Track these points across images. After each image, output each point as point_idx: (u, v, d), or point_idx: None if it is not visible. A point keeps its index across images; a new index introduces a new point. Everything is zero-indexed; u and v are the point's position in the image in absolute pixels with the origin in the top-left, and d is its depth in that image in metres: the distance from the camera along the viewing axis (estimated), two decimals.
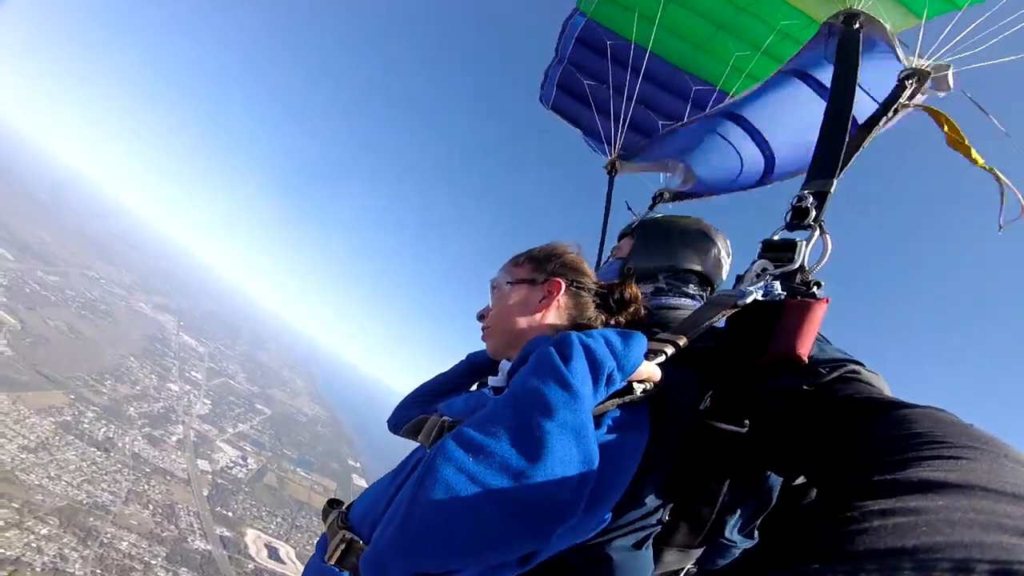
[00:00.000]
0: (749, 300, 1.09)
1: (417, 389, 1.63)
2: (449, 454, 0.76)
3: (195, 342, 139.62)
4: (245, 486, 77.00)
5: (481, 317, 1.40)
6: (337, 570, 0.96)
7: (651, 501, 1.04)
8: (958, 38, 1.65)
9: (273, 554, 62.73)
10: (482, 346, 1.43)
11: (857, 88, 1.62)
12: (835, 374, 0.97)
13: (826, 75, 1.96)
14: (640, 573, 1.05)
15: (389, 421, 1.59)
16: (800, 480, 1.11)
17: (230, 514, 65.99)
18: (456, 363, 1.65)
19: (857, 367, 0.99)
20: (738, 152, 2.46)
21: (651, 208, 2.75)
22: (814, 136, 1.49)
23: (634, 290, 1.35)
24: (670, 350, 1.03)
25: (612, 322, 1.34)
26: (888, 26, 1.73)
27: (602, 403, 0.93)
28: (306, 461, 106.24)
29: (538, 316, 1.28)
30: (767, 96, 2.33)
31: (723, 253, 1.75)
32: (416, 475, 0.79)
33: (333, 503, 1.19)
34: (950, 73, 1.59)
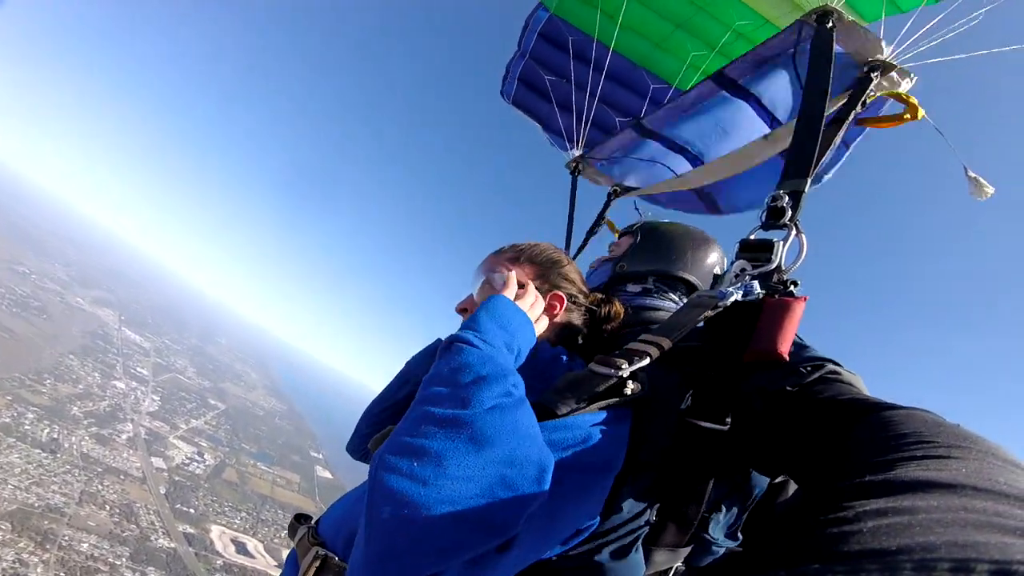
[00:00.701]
0: (730, 301, 1.09)
1: (371, 406, 1.45)
2: (387, 463, 0.75)
3: (139, 337, 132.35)
4: (204, 482, 75.10)
5: (464, 310, 1.35)
6: None
7: (638, 503, 1.06)
8: (918, 34, 1.67)
9: (241, 549, 61.90)
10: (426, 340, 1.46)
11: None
12: (816, 374, 0.99)
13: (773, 90, 2.05)
14: (635, 570, 1.07)
15: (347, 447, 1.46)
16: (780, 479, 1.16)
17: (192, 511, 64.44)
18: (423, 350, 1.47)
19: (837, 367, 1.02)
20: (671, 170, 2.65)
21: (606, 206, 2.95)
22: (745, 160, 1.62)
23: (617, 308, 1.42)
24: (654, 352, 1.01)
25: (592, 333, 1.39)
26: (861, 26, 1.71)
27: (589, 406, 0.96)
28: (266, 455, 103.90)
29: (537, 326, 1.25)
30: (708, 118, 2.34)
31: (718, 266, 1.79)
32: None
33: (300, 518, 1.19)
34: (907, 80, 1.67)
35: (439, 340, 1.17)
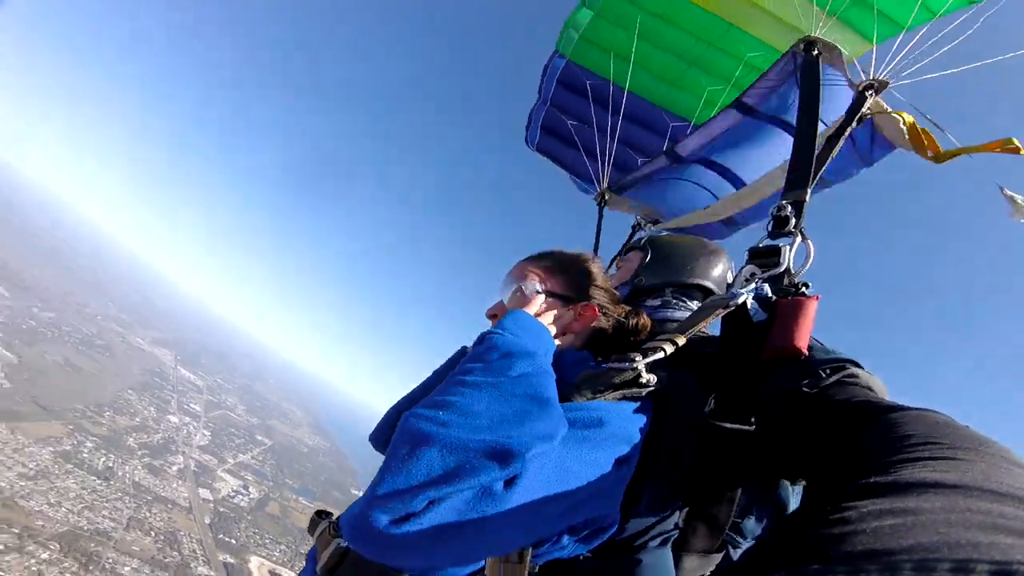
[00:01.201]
0: (740, 301, 1.13)
1: (399, 402, 1.37)
2: (415, 412, 0.82)
3: (192, 375, 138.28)
4: (248, 514, 75.80)
5: (494, 316, 1.35)
6: None
7: (665, 505, 1.04)
8: (901, 55, 1.88)
9: None
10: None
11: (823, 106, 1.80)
12: (834, 377, 0.99)
13: (785, 111, 2.27)
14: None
15: (371, 437, 1.35)
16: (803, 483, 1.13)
17: (233, 541, 65.01)
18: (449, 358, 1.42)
19: (855, 369, 1.01)
20: (712, 194, 2.72)
21: (630, 237, 2.89)
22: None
23: (645, 321, 1.41)
24: (668, 347, 1.04)
25: (620, 343, 1.38)
26: (845, 51, 1.92)
27: (607, 393, 0.98)
28: (308, 490, 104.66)
29: (567, 336, 1.28)
30: (749, 136, 2.47)
31: (729, 271, 1.85)
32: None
33: (321, 514, 1.19)
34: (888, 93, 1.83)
35: (464, 348, 1.19)
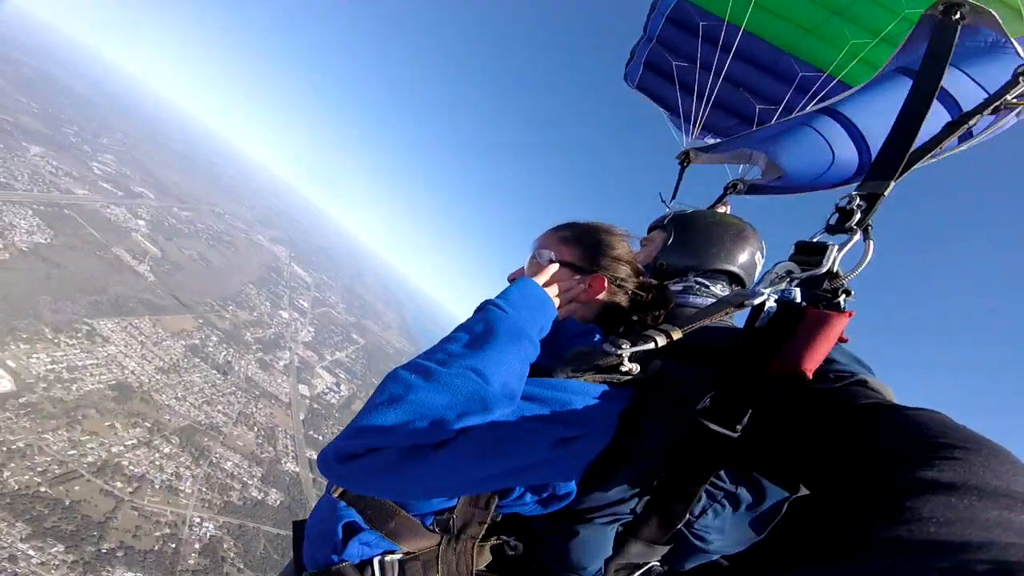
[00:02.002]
0: (757, 301, 1.07)
1: None
2: (394, 372, 0.96)
3: (304, 272, 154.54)
4: (336, 412, 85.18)
5: (512, 280, 1.40)
6: (341, 503, 1.13)
7: (628, 488, 1.08)
8: None
9: None
10: None
11: (969, 83, 1.51)
12: (841, 383, 0.99)
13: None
14: (597, 551, 1.12)
15: None
16: (803, 492, 1.11)
17: (320, 438, 73.22)
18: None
19: (866, 376, 1.00)
20: (831, 147, 2.14)
21: (720, 200, 2.64)
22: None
23: (668, 296, 1.41)
24: (661, 340, 1.06)
25: (636, 318, 1.39)
26: (999, 17, 1.53)
27: (587, 374, 1.06)
28: None
29: (572, 305, 1.33)
30: (871, 93, 2.06)
31: (758, 253, 1.75)
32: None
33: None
34: None
35: (485, 302, 1.28)
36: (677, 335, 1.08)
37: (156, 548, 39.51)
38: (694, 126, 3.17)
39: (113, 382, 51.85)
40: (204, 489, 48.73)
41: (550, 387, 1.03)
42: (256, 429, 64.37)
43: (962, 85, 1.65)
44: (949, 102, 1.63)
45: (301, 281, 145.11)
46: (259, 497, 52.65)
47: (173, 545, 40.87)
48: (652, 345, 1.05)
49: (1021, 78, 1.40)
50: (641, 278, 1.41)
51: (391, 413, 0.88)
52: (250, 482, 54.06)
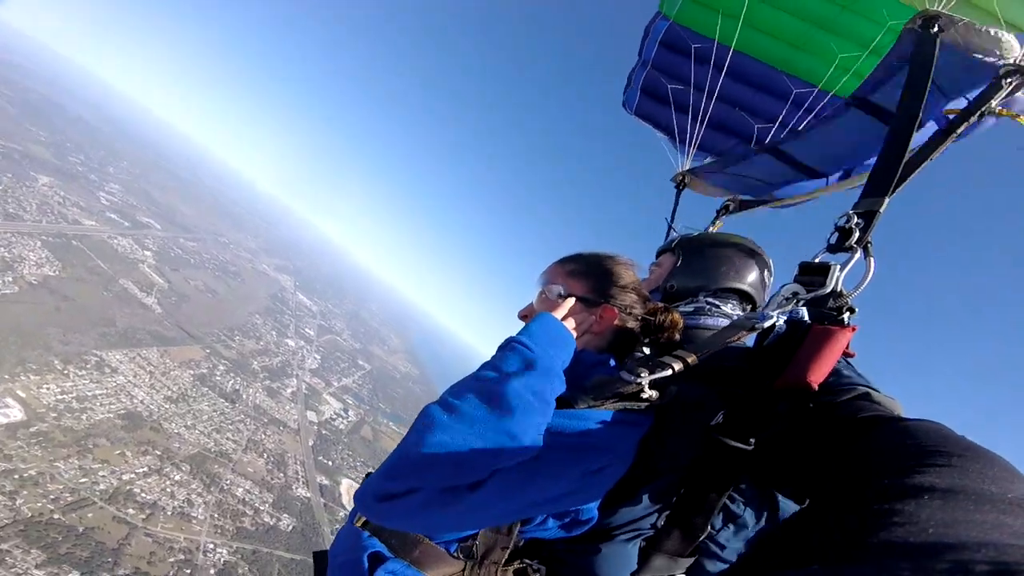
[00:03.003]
0: (767, 324, 1.10)
1: None
2: (427, 410, 0.98)
3: (309, 301, 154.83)
4: (345, 437, 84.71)
5: (524, 317, 1.44)
6: (365, 533, 1.15)
7: (649, 504, 1.12)
8: None
9: None
10: None
11: (943, 96, 1.54)
12: (845, 397, 1.02)
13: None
14: (621, 567, 1.13)
15: None
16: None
17: (330, 463, 73.07)
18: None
19: (870, 390, 1.03)
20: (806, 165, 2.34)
21: (715, 221, 2.78)
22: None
23: (675, 317, 1.41)
24: (677, 365, 1.08)
25: (647, 341, 1.42)
26: (980, 27, 1.50)
27: (608, 402, 1.09)
28: (398, 416, 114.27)
29: (586, 337, 1.35)
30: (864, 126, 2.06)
31: (765, 272, 1.77)
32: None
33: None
34: None
35: (509, 340, 1.31)
36: (692, 360, 1.09)
37: (171, 574, 38.72)
38: (690, 146, 3.18)
39: (123, 411, 51.53)
40: (216, 515, 47.98)
41: (575, 418, 1.05)
42: (266, 456, 63.76)
43: (940, 101, 1.71)
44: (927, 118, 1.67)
45: (306, 309, 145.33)
46: (271, 523, 51.78)
47: (188, 571, 39.99)
48: (669, 372, 1.07)
49: (1005, 81, 1.40)
50: (648, 303, 1.44)
51: (426, 454, 0.90)
52: (262, 508, 53.28)
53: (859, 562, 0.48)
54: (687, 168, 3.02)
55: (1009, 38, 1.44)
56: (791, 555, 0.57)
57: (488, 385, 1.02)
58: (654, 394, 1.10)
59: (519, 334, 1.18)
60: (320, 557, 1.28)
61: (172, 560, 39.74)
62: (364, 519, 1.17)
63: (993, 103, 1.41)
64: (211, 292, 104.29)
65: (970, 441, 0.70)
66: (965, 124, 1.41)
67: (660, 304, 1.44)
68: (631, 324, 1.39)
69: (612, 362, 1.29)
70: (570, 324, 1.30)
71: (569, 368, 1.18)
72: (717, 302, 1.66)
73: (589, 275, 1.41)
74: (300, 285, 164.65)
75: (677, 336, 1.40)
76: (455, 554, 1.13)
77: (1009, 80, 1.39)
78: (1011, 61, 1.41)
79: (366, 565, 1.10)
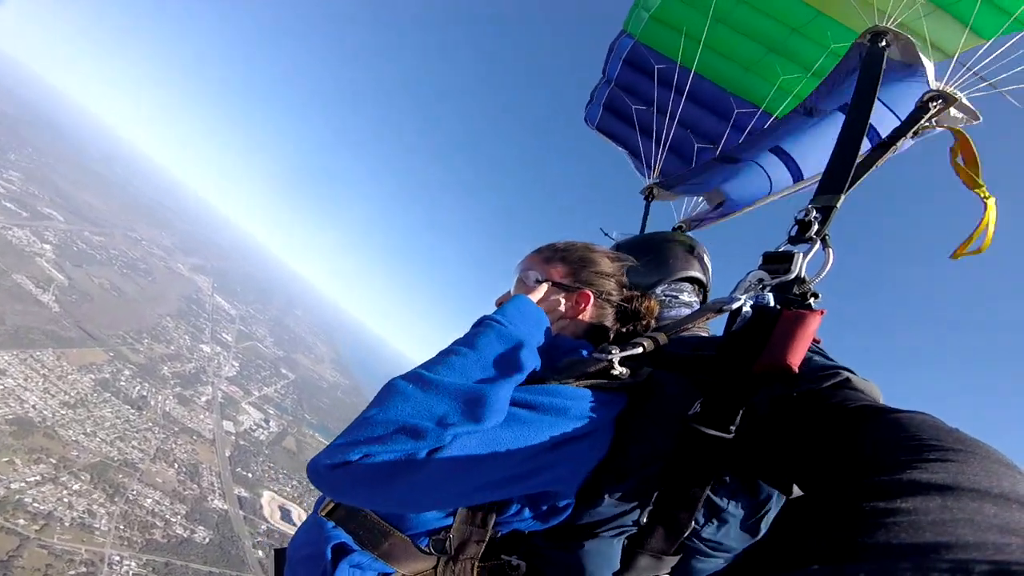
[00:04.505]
0: (735, 306, 1.12)
1: None
2: (394, 382, 0.96)
3: (228, 304, 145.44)
4: (266, 448, 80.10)
5: (500, 303, 1.43)
6: (330, 524, 1.12)
7: (628, 500, 1.09)
8: (980, 67, 1.66)
9: (285, 516, 65.42)
10: None
11: (882, 107, 1.71)
12: (827, 383, 1.00)
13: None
14: (603, 565, 1.10)
15: None
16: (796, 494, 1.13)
17: (249, 475, 69.08)
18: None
19: (848, 375, 1.03)
20: (769, 177, 2.59)
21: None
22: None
23: (651, 304, 1.47)
24: (648, 344, 1.10)
25: (624, 329, 1.46)
26: (918, 44, 1.72)
27: (576, 380, 1.08)
28: (324, 427, 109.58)
29: (561, 322, 1.37)
30: (811, 130, 2.37)
31: (705, 256, 1.90)
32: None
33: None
34: (963, 102, 1.61)
35: (482, 318, 1.29)
36: (663, 339, 1.12)
37: None
38: (652, 169, 3.21)
39: (11, 417, 46.46)
40: (122, 527, 44.46)
41: (543, 392, 1.03)
42: (177, 466, 59.61)
43: (881, 112, 1.86)
44: (871, 130, 1.78)
45: (224, 313, 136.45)
46: (185, 535, 48.68)
47: None
48: (640, 350, 1.09)
49: (931, 104, 1.57)
50: (626, 290, 1.46)
51: (384, 421, 0.88)
52: (173, 520, 49.88)
53: (858, 561, 0.47)
54: (655, 181, 3.13)
55: (929, 65, 1.68)
56: (789, 555, 0.55)
57: (454, 358, 1.01)
58: (624, 371, 1.10)
59: (494, 312, 1.18)
60: (281, 554, 1.25)
61: (72, 573, 36.62)
62: (329, 508, 1.13)
63: (923, 122, 1.58)
64: (117, 291, 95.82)
65: (964, 434, 0.69)
66: (902, 139, 1.56)
67: (636, 292, 1.48)
68: (608, 311, 1.41)
69: (588, 348, 1.28)
70: (546, 307, 1.32)
71: (544, 352, 1.17)
72: (674, 293, 1.76)
73: (565, 261, 1.44)
74: (219, 287, 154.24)
75: (652, 323, 1.47)
76: (427, 548, 1.09)
77: (934, 104, 1.58)
78: (935, 88, 1.60)
79: (329, 557, 1.06)
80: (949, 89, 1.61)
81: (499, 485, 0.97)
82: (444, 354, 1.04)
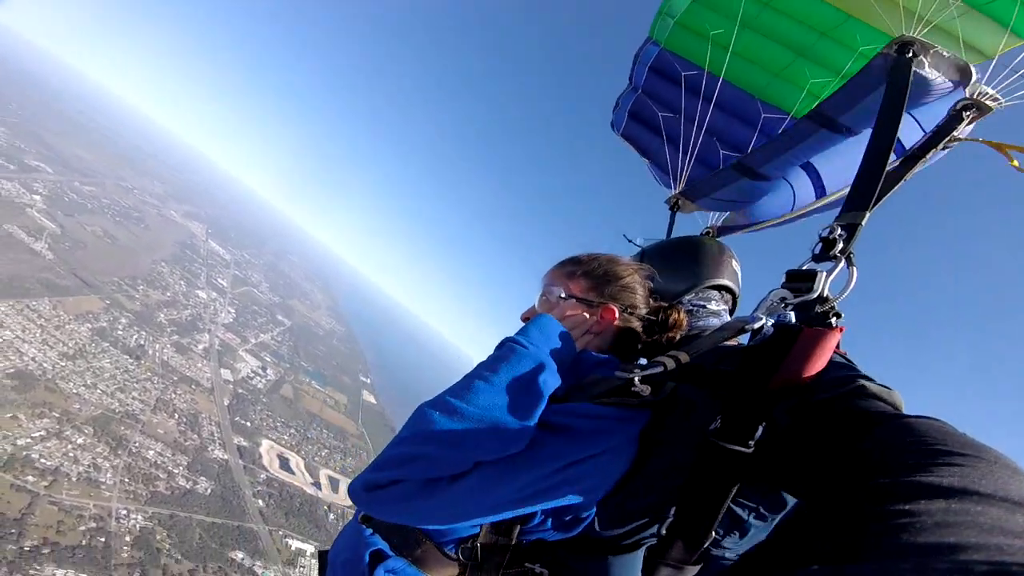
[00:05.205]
0: (757, 325, 1.12)
1: None
2: (422, 411, 1.03)
3: (222, 249, 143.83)
4: (263, 396, 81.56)
5: (526, 319, 1.46)
6: (368, 530, 1.18)
7: (650, 513, 1.11)
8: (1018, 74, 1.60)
9: (284, 464, 67.37)
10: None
11: (909, 118, 1.68)
12: (841, 391, 1.02)
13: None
14: (625, 575, 1.14)
15: None
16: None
17: (248, 424, 70.46)
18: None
19: (864, 383, 1.04)
20: (794, 193, 2.58)
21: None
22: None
23: (679, 316, 1.46)
24: (670, 363, 1.11)
25: (652, 340, 1.46)
26: (948, 54, 1.65)
27: (602, 398, 1.10)
28: (320, 374, 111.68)
29: (586, 337, 1.38)
30: (839, 147, 2.28)
31: (734, 261, 1.86)
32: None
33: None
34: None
35: (505, 340, 1.31)
36: (685, 358, 1.12)
37: (84, 543, 37.31)
38: (677, 180, 3.15)
39: (11, 370, 47.09)
40: (127, 480, 45.95)
41: (565, 413, 1.07)
42: (177, 416, 60.51)
43: (908, 124, 1.81)
44: (897, 143, 1.71)
45: (219, 259, 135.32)
46: (187, 486, 50.44)
47: (102, 539, 38.69)
48: (661, 369, 1.09)
49: (964, 113, 1.51)
50: (652, 301, 1.46)
51: (412, 447, 0.96)
52: (176, 471, 51.44)
53: (860, 562, 0.48)
54: (680, 191, 3.08)
55: (956, 75, 1.61)
56: (791, 555, 0.57)
57: (480, 383, 1.04)
58: (646, 388, 1.11)
59: (516, 334, 1.19)
60: (324, 556, 1.30)
61: (83, 528, 38.20)
62: (367, 516, 1.19)
63: (956, 133, 1.53)
64: (110, 238, 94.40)
65: (972, 439, 0.70)
66: (933, 151, 1.52)
67: (664, 303, 1.47)
68: (634, 323, 1.41)
69: (614, 363, 1.27)
70: (569, 324, 1.32)
71: (570, 369, 1.20)
72: (702, 302, 1.71)
73: (589, 276, 1.44)
74: (213, 232, 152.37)
75: (679, 335, 1.45)
76: (456, 555, 1.14)
77: (967, 113, 1.52)
78: (968, 96, 1.55)
79: (367, 562, 1.11)
80: (985, 97, 1.56)
81: (521, 502, 1.02)
82: (469, 378, 1.09)
